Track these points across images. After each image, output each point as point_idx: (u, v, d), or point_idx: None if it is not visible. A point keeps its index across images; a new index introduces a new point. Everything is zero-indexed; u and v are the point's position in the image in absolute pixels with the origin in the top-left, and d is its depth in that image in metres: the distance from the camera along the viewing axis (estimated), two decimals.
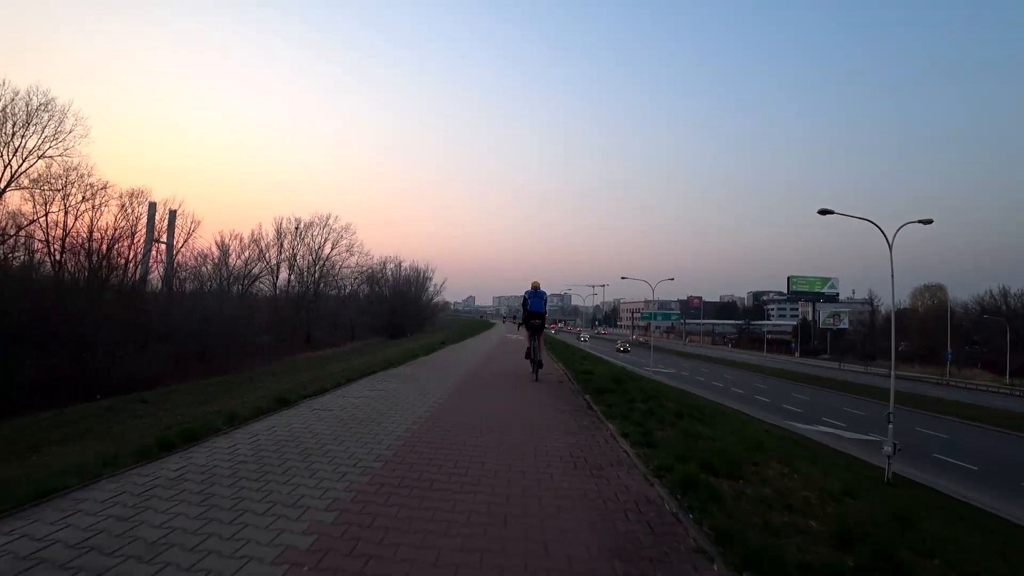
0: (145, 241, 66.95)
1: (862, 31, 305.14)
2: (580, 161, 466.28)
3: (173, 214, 71.26)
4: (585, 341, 79.78)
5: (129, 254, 49.03)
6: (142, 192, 49.37)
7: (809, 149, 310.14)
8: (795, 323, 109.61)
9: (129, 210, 48.48)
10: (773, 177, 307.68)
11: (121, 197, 47.59)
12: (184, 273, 54.66)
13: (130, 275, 48.98)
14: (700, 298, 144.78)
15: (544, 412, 7.80)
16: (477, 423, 6.70)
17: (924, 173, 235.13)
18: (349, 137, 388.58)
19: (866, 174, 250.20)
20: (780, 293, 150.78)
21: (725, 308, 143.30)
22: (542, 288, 12.50)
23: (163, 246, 54.47)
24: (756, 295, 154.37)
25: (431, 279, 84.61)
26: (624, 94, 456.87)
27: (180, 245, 54.22)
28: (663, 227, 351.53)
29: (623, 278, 40.24)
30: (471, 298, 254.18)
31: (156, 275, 52.47)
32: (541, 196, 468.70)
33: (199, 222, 55.93)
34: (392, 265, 76.72)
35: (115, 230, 47.31)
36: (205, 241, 79.35)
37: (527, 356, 12.75)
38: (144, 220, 48.65)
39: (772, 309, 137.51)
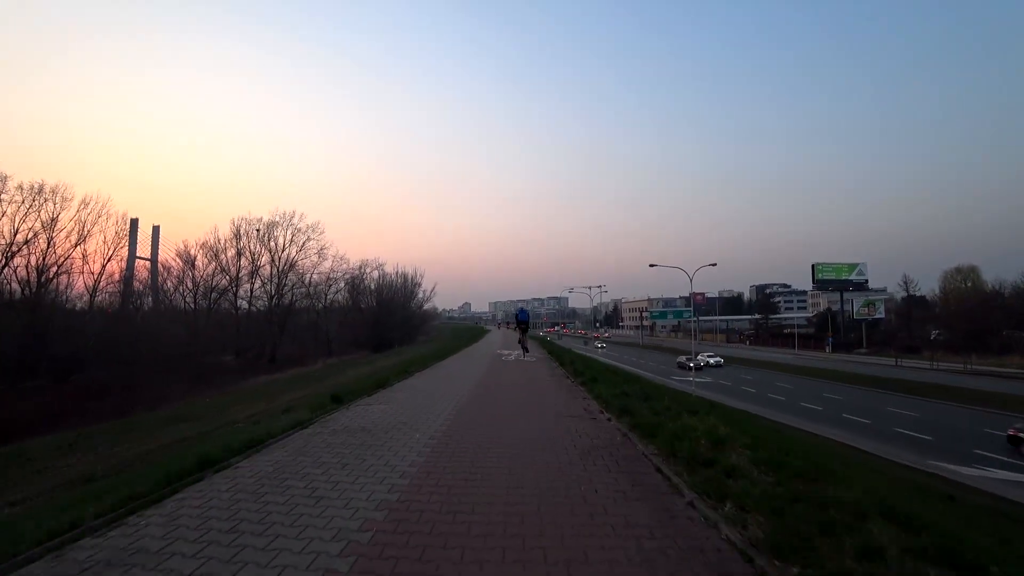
0: (128, 258, 57.55)
1: (870, 22, 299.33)
2: (571, 164, 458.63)
3: (156, 229, 61.78)
4: (705, 361, 50.21)
5: (39, 263, 39.05)
6: (54, 190, 39.23)
7: (799, 142, 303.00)
8: (809, 316, 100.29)
9: (37, 209, 38.52)
10: (764, 169, 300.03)
11: (24, 192, 37.51)
12: (113, 287, 44.51)
13: (46, 288, 39.03)
14: (703, 294, 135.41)
15: None
16: None
17: (906, 158, 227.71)
18: (331, 143, 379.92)
19: (851, 164, 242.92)
20: (784, 285, 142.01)
21: (730, 303, 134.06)
22: (526, 308, 22.17)
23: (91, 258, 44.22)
24: (760, 288, 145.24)
25: (420, 285, 74.62)
26: (608, 94, 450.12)
27: (111, 253, 44.10)
28: (654, 226, 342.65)
29: (651, 265, 30.88)
30: (467, 304, 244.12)
31: (82, 289, 42.08)
32: (534, 200, 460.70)
33: (135, 220, 45.46)
34: (372, 270, 66.39)
35: (15, 234, 37.38)
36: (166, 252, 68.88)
37: (519, 342, 20.22)
38: (63, 220, 38.59)
39: (779, 302, 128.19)
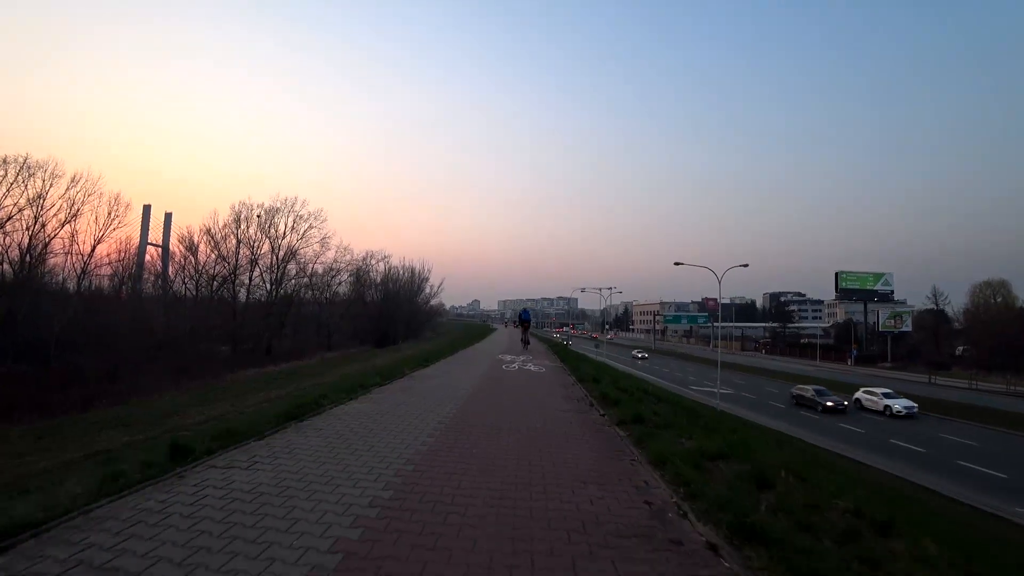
0: (139, 245, 55.12)
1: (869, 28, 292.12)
2: (584, 165, 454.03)
3: (169, 216, 59.31)
4: (882, 404, 28.87)
5: (25, 242, 36.37)
6: (40, 164, 36.36)
7: (816, 149, 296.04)
8: (826, 326, 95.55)
9: (23, 183, 35.79)
10: (778, 177, 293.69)
11: (7, 165, 34.73)
12: (105, 270, 41.59)
13: (30, 268, 36.30)
14: (715, 299, 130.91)
15: None
16: None
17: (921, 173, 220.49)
18: (341, 137, 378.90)
19: (870, 174, 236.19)
20: (799, 294, 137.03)
21: (744, 310, 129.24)
22: (533, 308, 38.87)
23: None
24: (774, 296, 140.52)
25: (427, 280, 71.17)
26: (626, 97, 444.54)
27: (102, 234, 41.10)
28: (667, 230, 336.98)
29: (677, 264, 27.11)
30: (476, 302, 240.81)
31: (71, 272, 39.20)
32: (546, 200, 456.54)
33: (127, 204, 42.52)
34: (377, 261, 62.83)
35: None
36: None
37: (522, 338, 23.75)
38: (52, 197, 35.77)
39: (794, 310, 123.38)
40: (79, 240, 39.99)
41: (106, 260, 41.80)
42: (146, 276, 49.68)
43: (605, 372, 13.80)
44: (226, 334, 48.91)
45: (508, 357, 17.76)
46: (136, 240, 47.28)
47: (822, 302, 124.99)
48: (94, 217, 41.22)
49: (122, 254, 44.75)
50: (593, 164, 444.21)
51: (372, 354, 44.65)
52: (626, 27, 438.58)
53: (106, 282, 41.61)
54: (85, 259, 40.46)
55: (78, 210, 39.40)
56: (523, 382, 10.96)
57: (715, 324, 47.26)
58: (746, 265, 26.84)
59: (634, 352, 66.51)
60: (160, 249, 54.53)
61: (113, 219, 41.12)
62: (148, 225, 57.10)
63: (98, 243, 41.15)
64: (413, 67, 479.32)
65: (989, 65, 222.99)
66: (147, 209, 57.84)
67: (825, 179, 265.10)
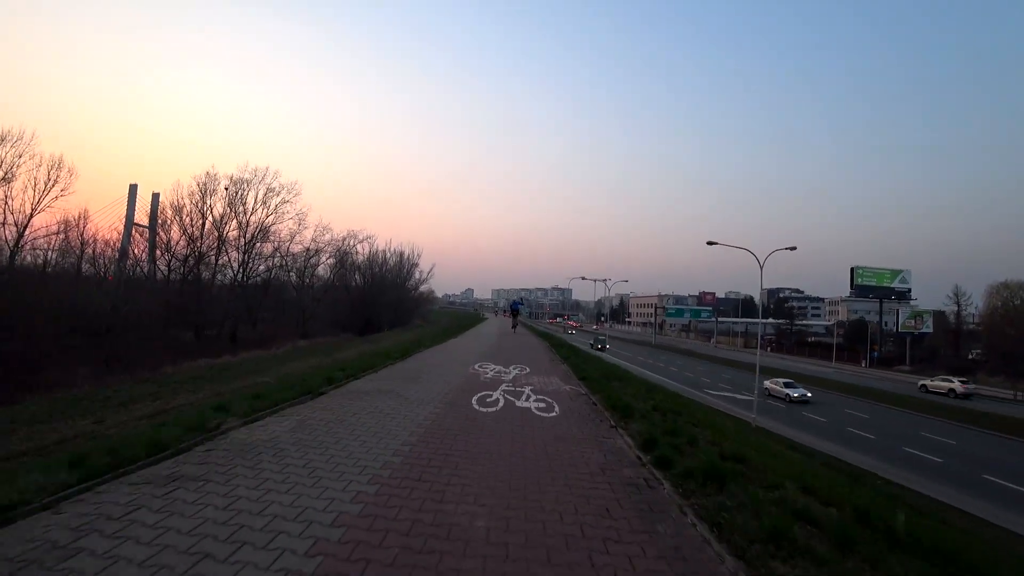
0: (125, 224, 49.49)
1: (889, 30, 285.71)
2: (583, 157, 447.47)
3: (156, 196, 53.62)
4: None
5: None
6: None
7: (799, 145, 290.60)
8: (828, 323, 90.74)
9: None
10: (774, 174, 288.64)
11: None
12: (45, 241, 36.02)
13: None
14: (713, 294, 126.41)
15: None
16: None
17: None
18: (336, 119, 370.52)
19: (871, 172, 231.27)
20: (797, 291, 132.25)
21: (742, 306, 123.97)
22: (524, 299, 75.31)
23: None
24: (772, 292, 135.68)
25: (417, 265, 65.54)
26: (626, 92, 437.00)
27: (38, 202, 35.46)
28: (670, 223, 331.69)
29: (710, 243, 21.89)
30: (469, 290, 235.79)
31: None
32: (544, 191, 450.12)
33: (71, 170, 36.74)
34: (359, 242, 56.76)
35: None
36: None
37: (512, 324, 28.54)
38: None
39: (794, 307, 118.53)
40: (12, 208, 34.47)
41: (44, 232, 36.17)
42: (111, 255, 44.21)
43: (690, 419, 7.35)
44: (187, 319, 43.55)
45: (491, 370, 10.88)
46: (91, 212, 41.43)
47: (822, 299, 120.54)
48: (33, 182, 35.57)
49: (76, 227, 39.22)
50: (591, 156, 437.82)
51: (345, 345, 39.27)
52: (621, 23, 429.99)
53: (52, 258, 36.20)
54: (20, 229, 34.89)
55: (9, 173, 33.88)
56: (505, 504, 3.62)
57: (758, 321, 42.32)
58: (793, 248, 21.51)
59: (769, 384, 32.62)
60: (132, 228, 49.12)
61: (52, 186, 35.50)
62: (134, 205, 51.71)
63: (36, 212, 35.51)
64: (411, 52, 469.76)
65: (1018, 65, 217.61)
66: (133, 188, 52.45)
67: (825, 176, 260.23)
